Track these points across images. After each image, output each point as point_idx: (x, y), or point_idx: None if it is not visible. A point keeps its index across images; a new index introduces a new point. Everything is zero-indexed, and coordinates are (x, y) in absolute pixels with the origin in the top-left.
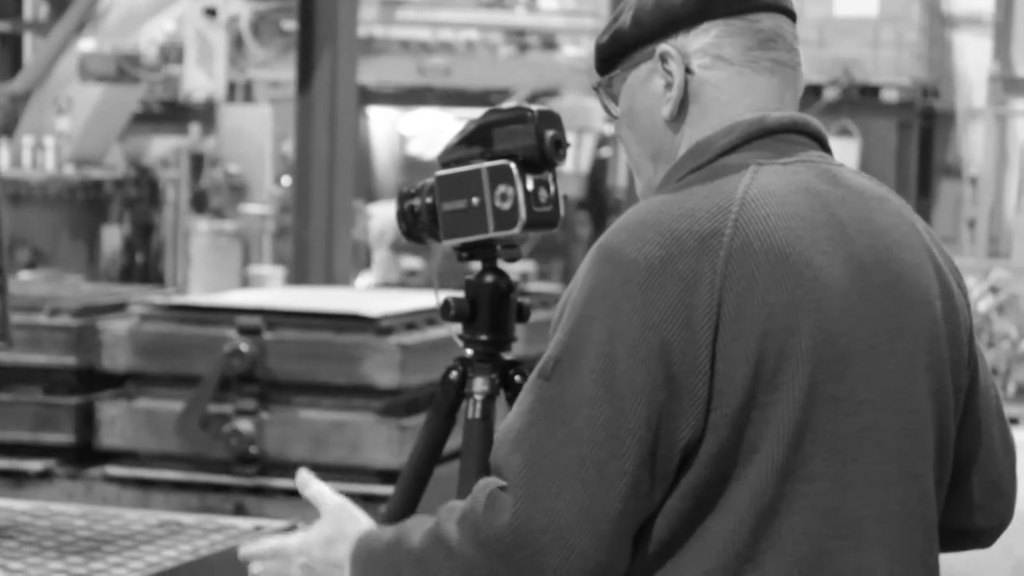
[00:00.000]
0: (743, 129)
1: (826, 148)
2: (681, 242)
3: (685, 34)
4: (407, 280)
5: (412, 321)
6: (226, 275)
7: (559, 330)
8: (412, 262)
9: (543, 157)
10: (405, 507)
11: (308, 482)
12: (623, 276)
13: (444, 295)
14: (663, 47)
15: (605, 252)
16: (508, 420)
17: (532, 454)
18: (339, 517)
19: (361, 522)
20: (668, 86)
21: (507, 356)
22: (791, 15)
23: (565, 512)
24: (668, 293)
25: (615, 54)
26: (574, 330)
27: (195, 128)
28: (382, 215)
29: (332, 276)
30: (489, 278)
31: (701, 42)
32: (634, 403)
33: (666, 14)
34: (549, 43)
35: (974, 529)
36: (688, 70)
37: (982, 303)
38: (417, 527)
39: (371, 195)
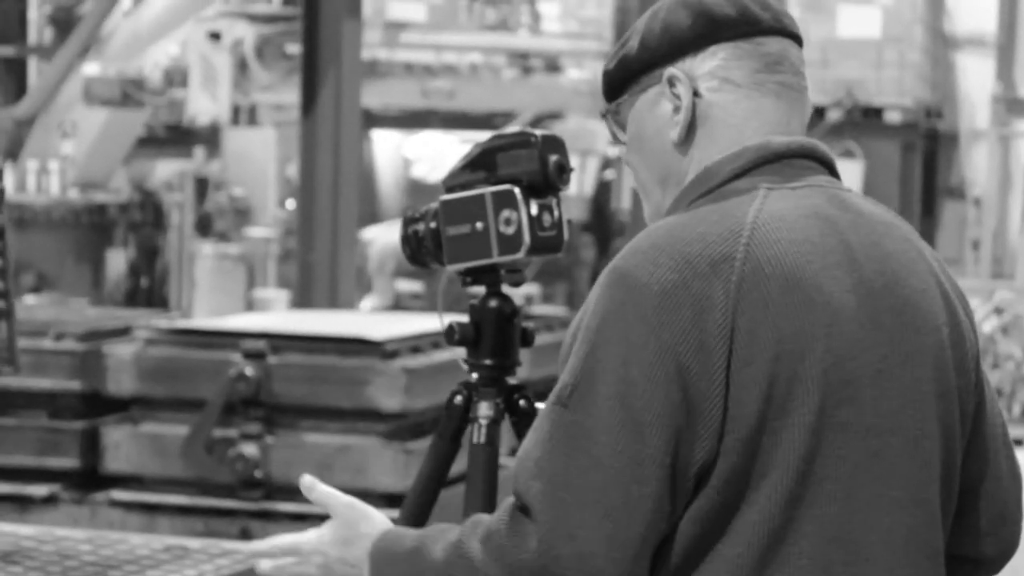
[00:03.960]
0: (751, 154)
1: (834, 173)
2: (693, 266)
3: (692, 57)
4: (410, 303)
5: (417, 345)
6: (231, 299)
7: (573, 355)
8: (413, 286)
9: (547, 182)
10: None
11: (313, 485)
12: (636, 300)
13: (448, 319)
14: (671, 70)
15: (617, 276)
16: (526, 447)
17: (553, 482)
18: (351, 517)
19: (374, 520)
20: (676, 109)
21: (512, 380)
22: (797, 40)
23: (590, 539)
24: (682, 316)
25: (623, 79)
26: (589, 355)
27: (199, 152)
28: (380, 243)
29: (337, 299)
30: (493, 303)
31: (709, 65)
32: (653, 428)
33: (674, 38)
34: (553, 66)
35: (980, 557)
36: (696, 93)
37: (986, 324)
38: (439, 538)
39: (375, 218)
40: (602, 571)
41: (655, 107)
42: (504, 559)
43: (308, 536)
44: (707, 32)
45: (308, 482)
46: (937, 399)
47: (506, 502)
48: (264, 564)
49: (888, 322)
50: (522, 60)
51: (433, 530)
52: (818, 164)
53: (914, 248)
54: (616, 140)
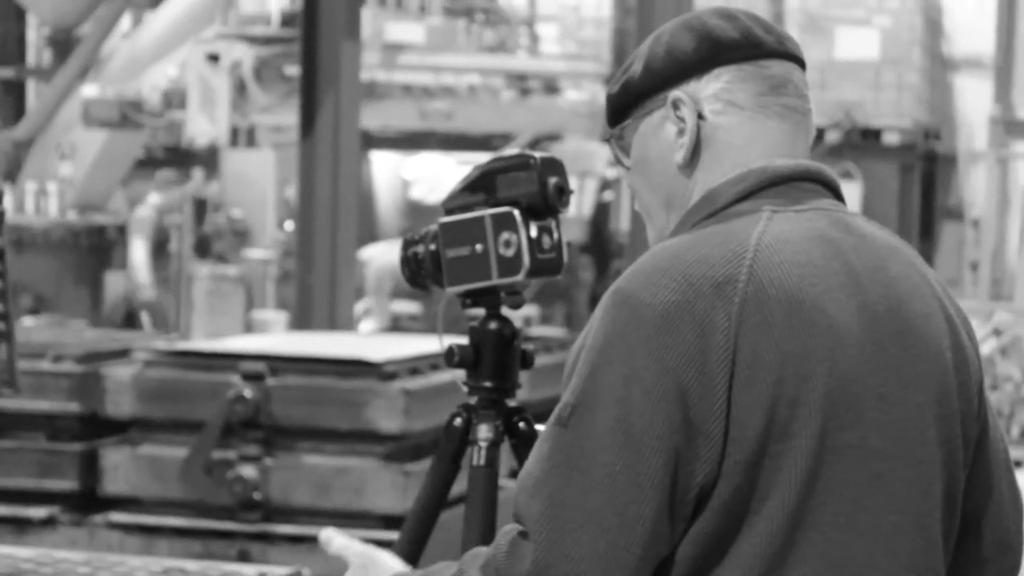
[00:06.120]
0: (755, 177)
1: (839, 196)
2: (696, 287)
3: (697, 80)
4: (408, 325)
5: (416, 366)
6: (229, 320)
7: (575, 375)
8: (410, 307)
9: (546, 204)
10: (410, 553)
11: (331, 539)
12: (639, 321)
13: (448, 341)
14: (675, 93)
15: (620, 297)
16: (527, 467)
17: (551, 501)
18: (366, 567)
19: (388, 569)
20: (680, 132)
21: (511, 403)
22: (801, 63)
23: (585, 560)
24: (684, 338)
25: (627, 103)
26: (590, 375)
27: (198, 173)
28: (377, 263)
29: (335, 321)
30: (493, 325)
31: (713, 88)
32: (652, 448)
33: (677, 61)
34: (551, 87)
35: None
36: (700, 116)
37: (985, 346)
38: (442, 573)
39: (374, 239)
40: None
41: (659, 130)
42: None
43: None
44: (711, 55)
45: (325, 537)
46: (939, 424)
47: (505, 529)
48: None
49: (891, 346)
50: (520, 81)
51: (436, 568)
52: (823, 187)
53: (918, 272)
54: (620, 164)
